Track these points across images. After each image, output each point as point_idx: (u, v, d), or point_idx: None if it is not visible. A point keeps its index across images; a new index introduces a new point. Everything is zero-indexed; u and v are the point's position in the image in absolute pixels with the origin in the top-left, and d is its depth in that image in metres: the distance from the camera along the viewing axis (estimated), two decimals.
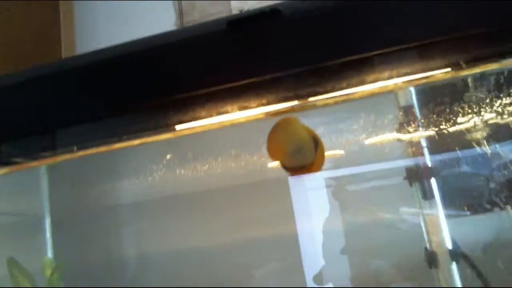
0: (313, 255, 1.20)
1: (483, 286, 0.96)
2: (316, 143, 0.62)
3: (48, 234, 1.15)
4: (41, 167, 1.03)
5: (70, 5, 1.28)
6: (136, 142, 0.69)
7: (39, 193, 1.14)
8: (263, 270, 1.20)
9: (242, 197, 1.18)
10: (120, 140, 0.70)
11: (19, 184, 1.05)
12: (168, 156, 1.06)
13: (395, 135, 1.02)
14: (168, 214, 1.20)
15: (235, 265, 1.20)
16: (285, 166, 0.62)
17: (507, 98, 0.80)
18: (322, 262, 1.20)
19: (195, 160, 1.07)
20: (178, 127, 0.68)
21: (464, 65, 0.57)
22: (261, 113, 0.63)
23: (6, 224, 1.17)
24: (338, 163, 1.12)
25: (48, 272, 1.01)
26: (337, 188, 1.21)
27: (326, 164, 1.17)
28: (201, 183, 1.12)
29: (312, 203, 1.24)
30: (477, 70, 0.61)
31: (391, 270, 1.13)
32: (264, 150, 0.64)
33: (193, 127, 0.66)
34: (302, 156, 0.61)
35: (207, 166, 1.07)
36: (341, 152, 0.97)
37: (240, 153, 1.04)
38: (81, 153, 0.70)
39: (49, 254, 1.15)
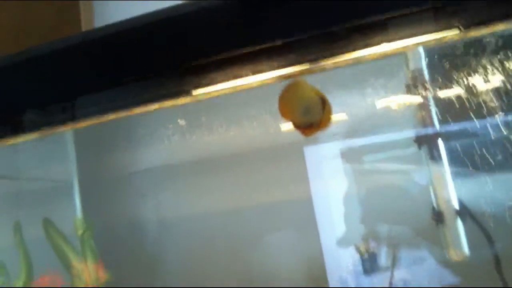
0: (328, 220, 1.26)
1: (488, 241, 1.02)
2: (324, 102, 0.67)
3: (76, 198, 1.24)
4: (66, 134, 1.09)
5: None
6: (155, 107, 0.74)
7: (67, 159, 1.22)
8: (278, 235, 1.27)
9: (257, 161, 1.24)
10: (139, 105, 0.75)
11: (48, 151, 1.13)
12: (182, 122, 1.11)
13: (404, 98, 1.06)
14: (187, 178, 1.27)
15: (250, 228, 1.26)
16: (296, 125, 0.67)
17: None
18: (336, 226, 1.26)
19: (210, 125, 1.12)
20: (194, 92, 0.72)
21: (472, 27, 0.61)
22: (274, 77, 0.68)
23: (38, 189, 1.26)
24: (350, 129, 1.16)
25: (80, 231, 1.09)
26: (349, 155, 1.26)
27: (339, 131, 1.22)
28: (218, 148, 1.18)
29: (325, 169, 1.29)
30: (486, 31, 0.64)
31: (402, 229, 1.19)
32: (278, 114, 0.69)
33: (208, 92, 0.71)
34: (311, 115, 0.66)
35: (224, 130, 1.13)
36: (350, 114, 1.01)
37: (255, 117, 1.09)
38: (103, 119, 0.76)
39: (79, 216, 1.24)
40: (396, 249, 1.17)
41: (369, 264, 1.19)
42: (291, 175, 1.25)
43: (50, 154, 1.18)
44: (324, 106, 0.67)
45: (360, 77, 0.96)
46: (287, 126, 0.95)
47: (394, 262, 1.15)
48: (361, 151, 1.24)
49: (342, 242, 1.25)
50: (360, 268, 1.19)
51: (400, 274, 1.15)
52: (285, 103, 0.67)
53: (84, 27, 1.23)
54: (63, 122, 0.75)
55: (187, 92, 0.74)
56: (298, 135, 0.69)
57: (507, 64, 0.89)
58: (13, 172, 1.21)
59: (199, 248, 1.27)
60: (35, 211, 1.21)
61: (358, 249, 1.21)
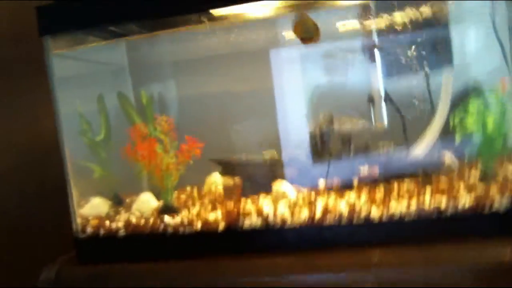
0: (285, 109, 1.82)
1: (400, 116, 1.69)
2: (316, 27, 1.26)
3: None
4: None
5: None
6: None
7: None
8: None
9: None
10: None
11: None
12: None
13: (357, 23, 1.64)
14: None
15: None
16: (301, 38, 1.27)
17: None
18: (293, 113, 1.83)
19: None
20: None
21: None
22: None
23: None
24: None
25: (144, 101, 1.63)
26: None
27: None
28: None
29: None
30: None
31: (347, 109, 1.82)
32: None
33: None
34: (310, 33, 1.26)
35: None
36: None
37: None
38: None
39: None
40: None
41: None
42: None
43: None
44: (316, 29, 1.27)
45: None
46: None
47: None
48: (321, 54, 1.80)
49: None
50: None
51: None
52: (296, 26, 1.27)
53: None
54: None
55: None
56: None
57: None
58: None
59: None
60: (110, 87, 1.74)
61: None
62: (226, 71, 1.85)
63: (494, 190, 1.22)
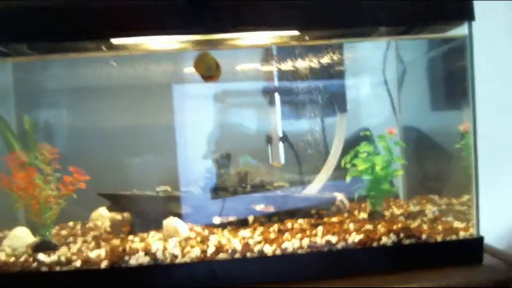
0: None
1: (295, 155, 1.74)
2: (217, 65, 1.26)
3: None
4: None
5: None
6: None
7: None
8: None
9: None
10: None
11: None
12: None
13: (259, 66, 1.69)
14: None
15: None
16: (202, 75, 1.26)
17: None
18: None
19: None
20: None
21: None
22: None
23: None
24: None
25: (27, 127, 1.49)
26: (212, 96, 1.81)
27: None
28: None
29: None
30: None
31: (246, 152, 1.84)
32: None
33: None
34: (211, 71, 1.25)
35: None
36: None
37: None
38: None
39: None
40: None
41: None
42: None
43: None
44: (217, 67, 1.26)
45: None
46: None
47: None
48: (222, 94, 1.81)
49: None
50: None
51: None
52: (197, 64, 1.25)
53: None
54: None
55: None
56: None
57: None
58: None
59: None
60: None
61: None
62: (123, 103, 1.77)
63: (381, 227, 1.27)
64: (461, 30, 1.30)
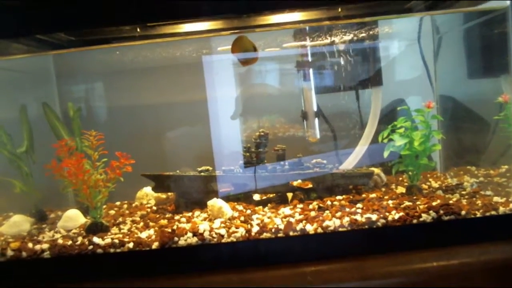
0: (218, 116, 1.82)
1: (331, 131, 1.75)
2: (255, 49, 1.27)
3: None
4: None
5: None
6: None
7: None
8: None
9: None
10: None
11: None
12: None
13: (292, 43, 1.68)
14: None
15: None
16: (239, 59, 1.27)
17: None
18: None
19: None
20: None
21: None
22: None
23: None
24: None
25: (71, 113, 1.55)
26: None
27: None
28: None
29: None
30: None
31: (283, 121, 1.86)
32: None
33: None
34: (248, 55, 1.26)
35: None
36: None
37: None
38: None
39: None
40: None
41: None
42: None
43: None
44: (254, 50, 1.27)
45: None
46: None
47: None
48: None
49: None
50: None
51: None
52: (234, 47, 1.26)
53: None
54: None
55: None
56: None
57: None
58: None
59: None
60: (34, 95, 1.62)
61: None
62: (161, 82, 1.82)
63: (420, 204, 1.29)
64: (503, 2, 1.27)
